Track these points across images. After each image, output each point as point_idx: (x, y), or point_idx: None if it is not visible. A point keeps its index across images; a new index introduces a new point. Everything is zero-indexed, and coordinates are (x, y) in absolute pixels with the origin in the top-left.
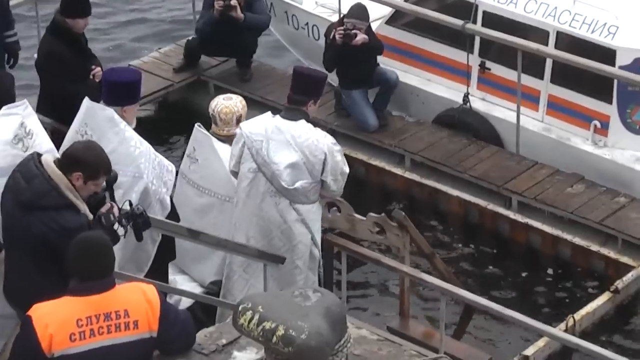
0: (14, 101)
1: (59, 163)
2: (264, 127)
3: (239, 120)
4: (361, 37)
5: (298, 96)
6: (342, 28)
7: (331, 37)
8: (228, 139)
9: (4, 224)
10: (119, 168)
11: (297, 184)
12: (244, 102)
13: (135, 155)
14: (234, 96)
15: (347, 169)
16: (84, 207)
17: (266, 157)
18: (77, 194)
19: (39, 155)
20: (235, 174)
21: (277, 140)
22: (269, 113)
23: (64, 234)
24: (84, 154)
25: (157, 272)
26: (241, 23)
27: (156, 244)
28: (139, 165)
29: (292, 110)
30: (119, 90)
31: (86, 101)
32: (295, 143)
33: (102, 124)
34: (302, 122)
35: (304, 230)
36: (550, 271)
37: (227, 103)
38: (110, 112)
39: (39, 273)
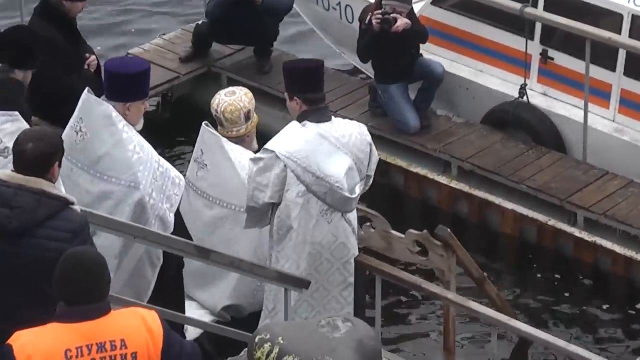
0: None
1: (28, 170)
2: (303, 139)
3: (247, 117)
4: (402, 22)
5: (317, 93)
6: (379, 12)
7: (366, 22)
8: (239, 140)
9: None
10: (112, 175)
11: (358, 189)
12: (250, 94)
13: (132, 161)
14: (237, 89)
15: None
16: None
17: (318, 173)
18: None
19: None
20: (269, 206)
21: (323, 150)
22: (295, 124)
23: (76, 238)
24: (51, 140)
25: (170, 300)
26: (259, 5)
27: (156, 268)
28: (136, 174)
29: (321, 110)
30: (122, 84)
31: (85, 93)
32: (342, 145)
33: (97, 120)
34: (335, 119)
35: (355, 241)
36: (621, 299)
37: (230, 99)
38: (107, 108)
39: (29, 304)
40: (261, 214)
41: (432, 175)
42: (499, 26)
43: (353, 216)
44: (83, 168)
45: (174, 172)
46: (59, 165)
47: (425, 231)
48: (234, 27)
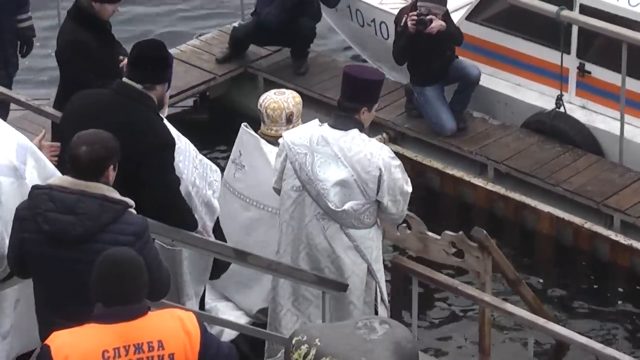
0: None
1: (82, 174)
2: (309, 137)
3: (289, 119)
4: (437, 23)
5: (349, 102)
6: (415, 13)
7: (402, 23)
8: (278, 141)
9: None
10: None
11: (347, 206)
12: (298, 98)
13: None
14: (287, 91)
15: (409, 188)
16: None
17: (310, 173)
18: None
19: (44, 186)
20: (277, 191)
21: (323, 153)
22: (316, 121)
23: (139, 241)
24: (104, 143)
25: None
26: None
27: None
28: (177, 164)
29: (342, 118)
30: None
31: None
32: (344, 157)
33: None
34: (354, 132)
35: (358, 259)
36: None
37: (277, 98)
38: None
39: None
40: None
41: (468, 177)
42: (535, 40)
43: (359, 234)
44: None
45: (207, 160)
46: (114, 169)
47: (461, 233)
48: (274, 29)
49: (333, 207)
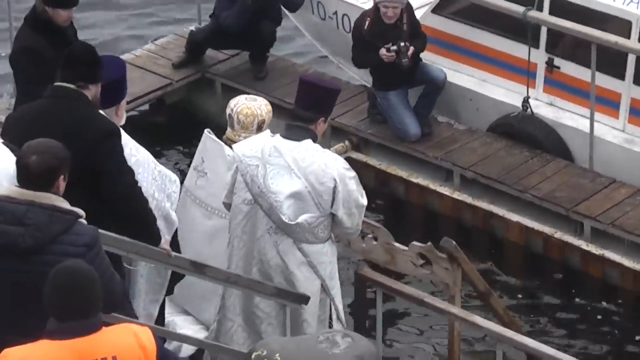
0: None
1: (32, 184)
2: (261, 148)
3: (260, 127)
4: (412, 48)
5: (305, 112)
6: (392, 47)
7: (365, 31)
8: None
9: None
10: None
11: (301, 219)
12: (270, 107)
13: (131, 163)
14: (258, 98)
15: (364, 201)
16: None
17: (262, 186)
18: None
19: None
20: (227, 206)
21: (276, 164)
22: (267, 132)
23: (90, 252)
24: (55, 153)
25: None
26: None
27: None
28: (137, 176)
29: (296, 128)
30: (107, 90)
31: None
32: (297, 168)
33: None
34: (308, 142)
35: (311, 275)
36: (631, 313)
37: (250, 104)
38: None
39: (40, 320)
40: None
41: (434, 185)
42: (503, 34)
43: (313, 249)
44: None
45: (166, 170)
46: (65, 179)
47: (429, 243)
48: (233, 33)
49: (286, 220)
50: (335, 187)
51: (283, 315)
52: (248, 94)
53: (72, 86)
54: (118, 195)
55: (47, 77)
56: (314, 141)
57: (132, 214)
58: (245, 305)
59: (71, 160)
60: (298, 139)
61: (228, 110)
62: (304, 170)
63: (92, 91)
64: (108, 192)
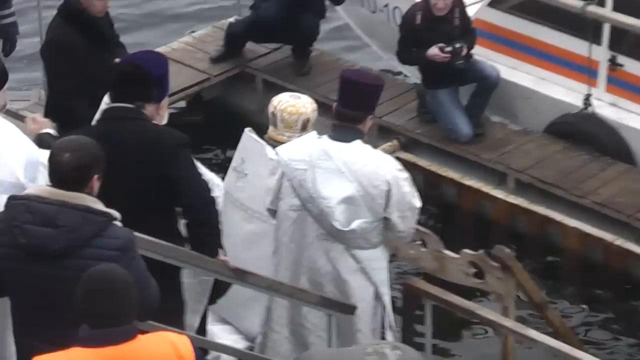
0: None
1: (64, 183)
2: (308, 152)
3: (304, 126)
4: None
5: (352, 111)
6: (447, 49)
7: (418, 25)
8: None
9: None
10: None
11: (354, 225)
12: (314, 105)
13: None
14: (303, 96)
15: (417, 203)
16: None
17: (312, 191)
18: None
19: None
20: (273, 213)
21: (326, 168)
22: (313, 133)
23: (125, 256)
24: (89, 150)
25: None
26: None
27: None
28: None
29: (344, 128)
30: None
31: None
32: (349, 171)
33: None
34: (357, 143)
35: (365, 282)
36: None
37: (294, 102)
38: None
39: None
40: None
41: (487, 188)
42: (563, 29)
43: (365, 255)
44: None
45: (210, 174)
46: (99, 179)
47: (481, 251)
48: (273, 25)
49: (339, 227)
50: (388, 190)
51: (334, 328)
52: (290, 90)
53: (131, 106)
54: (195, 202)
55: (77, 72)
56: (363, 141)
57: (208, 220)
58: (292, 316)
59: (146, 174)
60: (347, 140)
61: (271, 109)
62: (355, 174)
63: (149, 111)
64: (185, 200)
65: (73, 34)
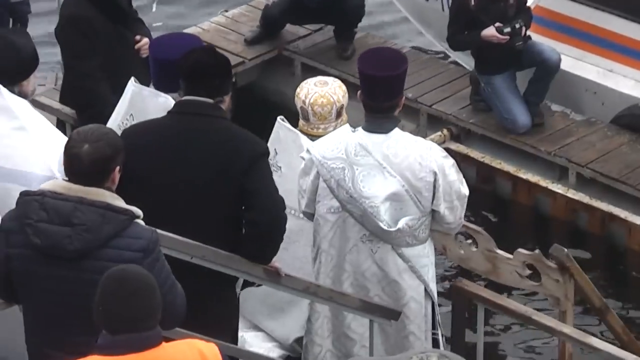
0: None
1: (83, 177)
2: (343, 148)
3: (339, 113)
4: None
5: (386, 101)
6: (506, 30)
7: (472, 5)
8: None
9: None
10: None
11: (401, 223)
12: (343, 87)
13: None
14: (329, 79)
15: (465, 190)
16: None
17: (352, 191)
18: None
19: (36, 192)
20: (310, 216)
21: (365, 164)
22: (346, 127)
23: (148, 258)
24: (110, 140)
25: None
26: None
27: None
28: None
29: (378, 119)
30: (173, 72)
31: (131, 84)
32: (390, 165)
33: (153, 116)
34: (396, 132)
35: (415, 281)
36: None
37: (322, 90)
38: (165, 100)
39: (86, 333)
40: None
41: (545, 183)
42: (632, 17)
43: (412, 252)
44: None
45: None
46: (120, 170)
47: (537, 251)
48: (315, 4)
49: (386, 227)
50: (435, 181)
51: (380, 334)
52: (329, 75)
53: (210, 101)
54: (263, 218)
55: (96, 51)
56: (399, 126)
57: (270, 240)
58: (334, 326)
59: (223, 181)
60: (384, 130)
61: (299, 103)
62: (398, 167)
63: (226, 103)
64: (253, 213)
65: (89, 10)
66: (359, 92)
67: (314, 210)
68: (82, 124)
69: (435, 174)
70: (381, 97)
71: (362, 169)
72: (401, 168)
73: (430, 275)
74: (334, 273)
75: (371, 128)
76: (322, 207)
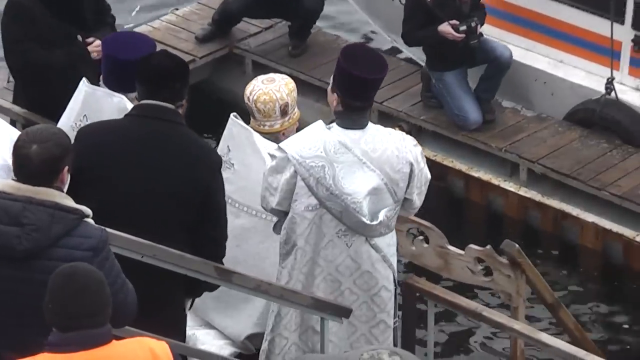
0: None
1: (32, 177)
2: (322, 145)
3: (284, 111)
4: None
5: (361, 102)
6: (461, 27)
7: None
8: (274, 138)
9: None
10: None
11: (382, 216)
12: (292, 84)
13: None
14: (277, 76)
15: (429, 174)
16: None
17: (333, 188)
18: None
19: None
20: (279, 213)
21: (344, 161)
22: (319, 123)
23: (97, 257)
24: (58, 140)
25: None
26: None
27: None
28: None
29: (354, 116)
30: (131, 72)
31: (83, 84)
32: (369, 160)
33: (109, 116)
34: (371, 127)
35: (387, 271)
36: None
37: (266, 88)
38: (119, 100)
39: (39, 333)
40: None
41: (497, 181)
42: (582, 7)
43: (385, 242)
44: None
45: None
46: (69, 170)
47: (488, 247)
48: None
49: (368, 222)
50: (411, 172)
51: (347, 327)
52: (281, 72)
53: (171, 106)
54: (221, 238)
55: (36, 36)
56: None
57: (218, 255)
58: (302, 320)
59: (187, 188)
60: (360, 126)
61: (245, 99)
62: (377, 161)
63: (184, 107)
64: (212, 232)
65: (32, 1)
66: (329, 89)
67: (287, 208)
68: (23, 91)
69: (411, 164)
70: (366, 98)
71: (342, 166)
72: (380, 162)
73: (395, 262)
74: (307, 268)
75: (346, 124)
76: (300, 205)
